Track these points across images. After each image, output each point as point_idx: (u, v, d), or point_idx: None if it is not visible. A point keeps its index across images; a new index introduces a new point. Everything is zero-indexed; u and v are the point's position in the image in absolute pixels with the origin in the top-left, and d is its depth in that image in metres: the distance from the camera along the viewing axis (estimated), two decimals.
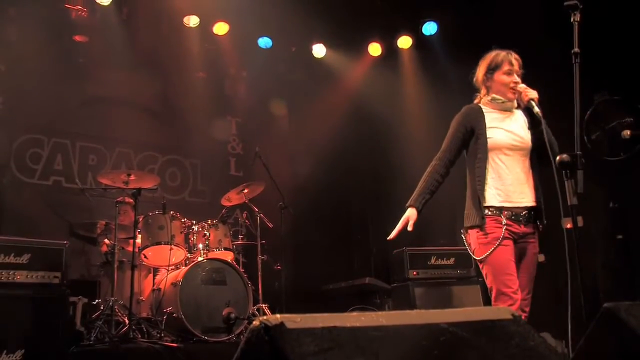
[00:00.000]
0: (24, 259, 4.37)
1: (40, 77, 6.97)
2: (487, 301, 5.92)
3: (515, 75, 3.56)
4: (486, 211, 3.41)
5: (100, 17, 7.35)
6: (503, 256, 3.36)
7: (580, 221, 6.37)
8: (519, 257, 3.44)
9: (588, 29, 3.17)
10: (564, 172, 2.95)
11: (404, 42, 8.31)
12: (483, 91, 3.69)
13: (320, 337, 1.13)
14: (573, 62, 3.01)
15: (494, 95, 3.60)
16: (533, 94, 3.47)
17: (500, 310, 1.41)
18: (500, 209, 3.41)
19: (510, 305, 3.18)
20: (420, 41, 8.20)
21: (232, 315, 5.24)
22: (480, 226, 3.40)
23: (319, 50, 8.45)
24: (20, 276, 4.32)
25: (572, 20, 3.07)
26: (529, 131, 3.57)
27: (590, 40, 3.27)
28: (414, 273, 5.80)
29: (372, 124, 8.26)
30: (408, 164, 7.71)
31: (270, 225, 6.46)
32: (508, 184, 3.44)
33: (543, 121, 3.41)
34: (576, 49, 3.01)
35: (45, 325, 4.26)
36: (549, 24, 5.80)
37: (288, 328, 1.13)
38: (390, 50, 8.44)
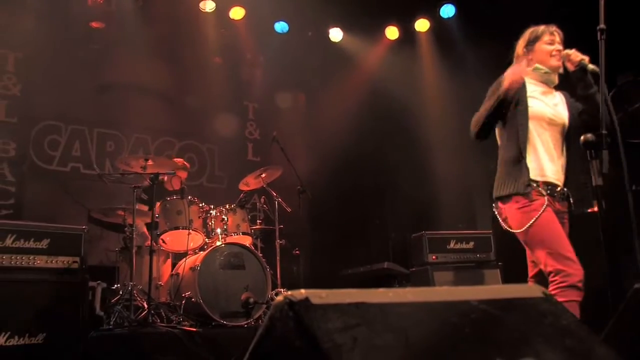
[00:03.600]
0: (44, 244, 4.38)
1: (57, 63, 7.00)
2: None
3: (557, 45, 3.43)
4: (530, 176, 3.24)
5: (116, 3, 7.34)
6: (553, 220, 3.18)
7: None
8: None
9: (613, 9, 3.08)
10: (588, 152, 2.87)
11: (422, 25, 8.23)
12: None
13: (347, 313, 1.09)
14: (599, 38, 2.92)
15: (537, 65, 3.45)
16: (584, 56, 3.27)
17: (531, 288, 1.36)
18: (537, 182, 3.26)
19: (577, 270, 3.04)
20: (438, 24, 8.11)
21: (251, 300, 5.23)
22: (524, 194, 3.21)
23: (335, 34, 8.40)
24: (40, 261, 4.34)
25: None
26: (572, 107, 3.44)
27: (615, 20, 3.17)
28: (433, 257, 5.76)
29: (390, 108, 8.19)
30: (426, 148, 7.66)
31: (289, 209, 6.42)
32: (541, 157, 3.31)
33: (599, 81, 3.10)
34: (602, 25, 2.91)
35: (65, 310, 4.27)
36: (571, 3, 5.70)
37: (313, 303, 1.09)
38: (408, 33, 8.36)
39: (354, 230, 8.18)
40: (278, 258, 6.19)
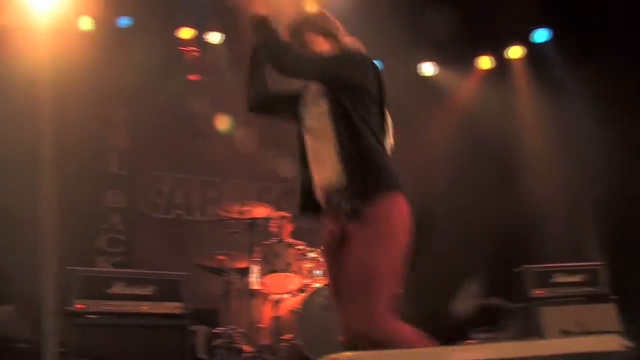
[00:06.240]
0: (148, 290, 4.59)
1: (161, 117, 7.38)
2: (623, 321, 5.48)
3: None
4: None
5: (211, 55, 7.66)
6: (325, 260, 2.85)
7: None
8: None
9: None
10: None
11: (515, 52, 8.03)
12: None
13: None
14: None
15: None
16: None
17: (610, 340, 1.25)
18: (314, 201, 2.80)
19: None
20: (533, 49, 7.88)
21: None
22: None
23: (427, 68, 8.36)
24: (145, 307, 4.54)
25: None
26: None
27: None
28: (538, 292, 5.48)
29: (487, 141, 7.97)
30: (528, 178, 7.40)
31: None
32: (312, 169, 2.80)
33: None
34: None
35: (168, 354, 4.44)
36: None
37: None
38: (501, 62, 8.18)
39: (454, 266, 7.95)
40: None
